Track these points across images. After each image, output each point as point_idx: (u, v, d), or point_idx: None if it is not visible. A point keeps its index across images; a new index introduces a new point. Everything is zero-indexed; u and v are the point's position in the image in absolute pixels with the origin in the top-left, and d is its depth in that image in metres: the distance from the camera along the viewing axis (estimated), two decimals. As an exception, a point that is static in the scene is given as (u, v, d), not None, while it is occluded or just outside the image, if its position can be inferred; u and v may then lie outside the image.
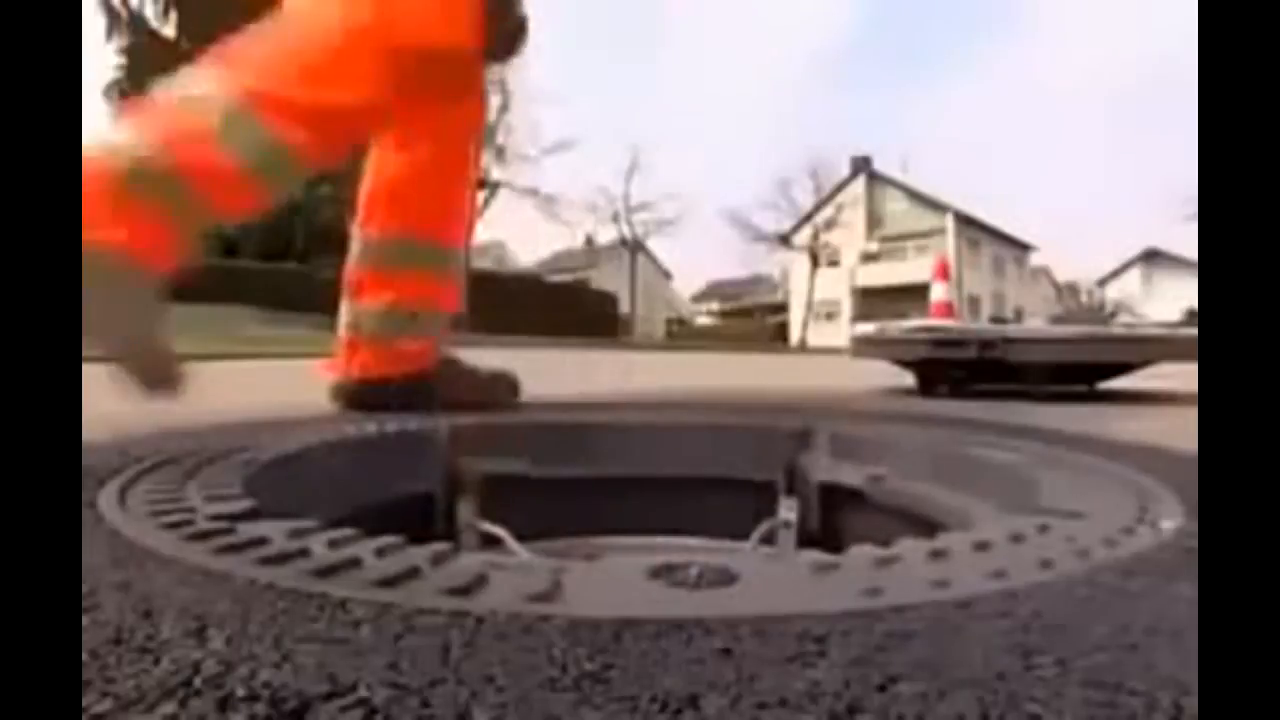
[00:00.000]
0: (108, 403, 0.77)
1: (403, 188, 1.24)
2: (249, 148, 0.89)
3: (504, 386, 1.33)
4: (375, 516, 0.78)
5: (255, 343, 7.19)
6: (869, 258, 30.08)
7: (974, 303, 28.38)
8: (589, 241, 35.91)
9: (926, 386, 2.04)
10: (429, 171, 1.24)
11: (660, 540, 1.04)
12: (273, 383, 2.81)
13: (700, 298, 42.77)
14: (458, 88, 1.21)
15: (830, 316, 29.87)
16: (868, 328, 2.51)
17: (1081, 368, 2.01)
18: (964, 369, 1.98)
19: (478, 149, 1.41)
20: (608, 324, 22.87)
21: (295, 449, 0.77)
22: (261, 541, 0.41)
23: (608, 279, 30.53)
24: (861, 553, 0.41)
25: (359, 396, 1.22)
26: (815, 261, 28.70)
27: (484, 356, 1.40)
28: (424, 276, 1.26)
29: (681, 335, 30.77)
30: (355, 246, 1.26)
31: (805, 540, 0.97)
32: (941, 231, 29.67)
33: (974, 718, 0.24)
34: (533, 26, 1.28)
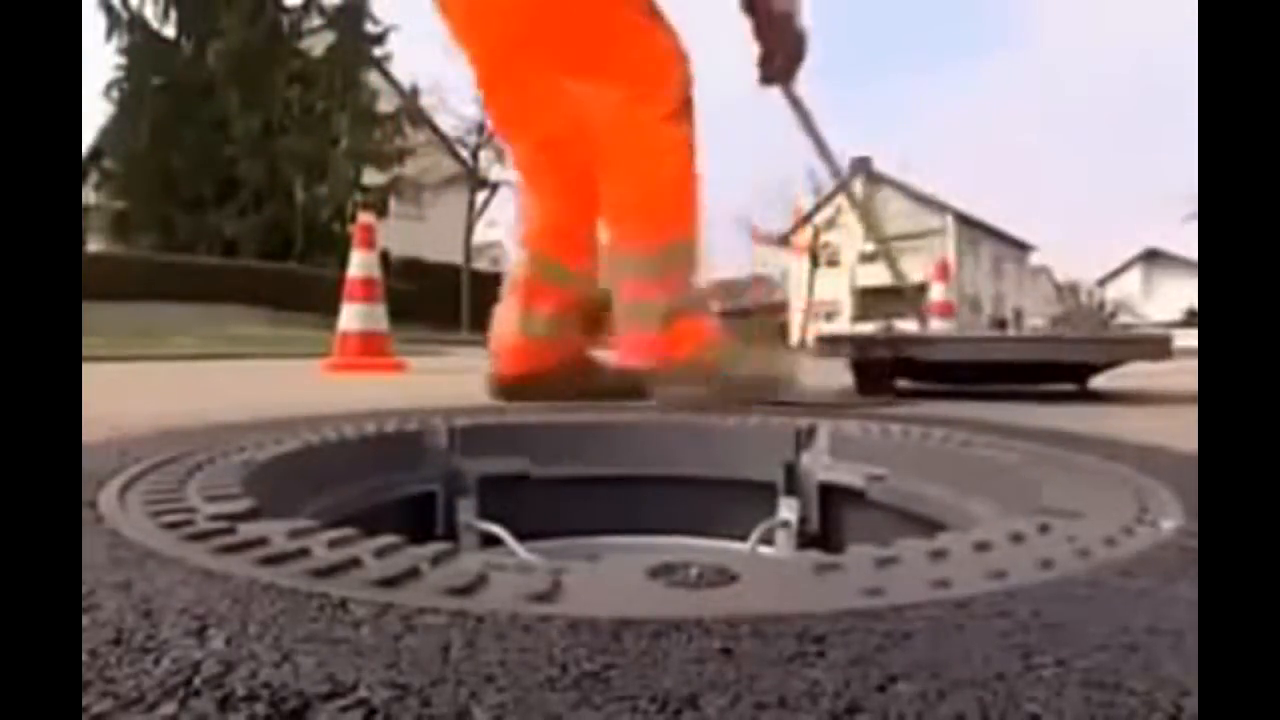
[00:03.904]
0: (108, 403, 0.77)
1: None
2: None
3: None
4: (375, 516, 0.78)
5: (255, 342, 7.18)
6: (868, 258, 30.08)
7: (974, 303, 28.48)
8: (589, 241, 35.80)
9: (861, 385, 2.08)
10: None
11: (660, 540, 1.04)
12: (272, 382, 2.81)
13: (700, 298, 42.67)
14: None
15: (830, 316, 29.87)
16: (832, 328, 2.60)
17: (991, 367, 2.07)
18: (884, 368, 2.07)
19: None
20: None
21: (295, 449, 0.77)
22: (261, 541, 0.41)
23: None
24: (861, 553, 0.41)
25: None
26: (815, 261, 28.67)
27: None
28: None
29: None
30: None
31: (805, 540, 0.97)
32: (941, 231, 29.70)
33: (974, 718, 0.24)
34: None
